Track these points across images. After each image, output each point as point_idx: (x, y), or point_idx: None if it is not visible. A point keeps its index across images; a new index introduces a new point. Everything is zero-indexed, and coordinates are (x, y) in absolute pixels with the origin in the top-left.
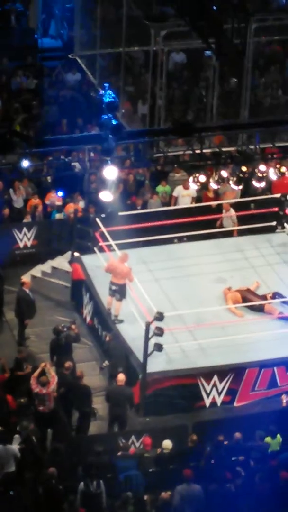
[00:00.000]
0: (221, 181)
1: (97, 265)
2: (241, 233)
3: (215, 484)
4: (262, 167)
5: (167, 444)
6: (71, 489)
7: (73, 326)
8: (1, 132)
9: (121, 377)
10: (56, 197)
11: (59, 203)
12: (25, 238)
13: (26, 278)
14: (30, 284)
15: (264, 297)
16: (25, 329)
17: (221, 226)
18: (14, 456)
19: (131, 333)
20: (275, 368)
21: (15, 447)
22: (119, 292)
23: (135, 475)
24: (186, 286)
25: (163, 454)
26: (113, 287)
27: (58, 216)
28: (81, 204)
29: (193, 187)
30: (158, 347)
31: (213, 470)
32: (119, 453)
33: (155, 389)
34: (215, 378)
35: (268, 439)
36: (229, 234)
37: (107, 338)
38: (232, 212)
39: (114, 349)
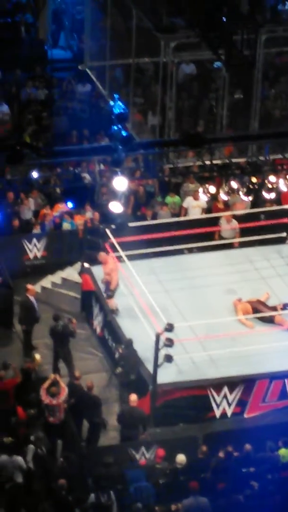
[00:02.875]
0: (231, 192)
1: None
2: (251, 244)
3: (224, 495)
4: (272, 178)
5: (181, 458)
6: (81, 500)
7: (74, 321)
8: (11, 143)
9: (133, 397)
10: (65, 207)
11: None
12: (35, 249)
13: (31, 285)
14: (34, 291)
15: (274, 308)
16: (31, 336)
17: (220, 238)
18: (19, 467)
19: (141, 344)
20: (285, 380)
21: (20, 458)
22: None
23: (145, 487)
24: (196, 297)
25: (176, 468)
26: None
27: (65, 225)
28: (89, 215)
29: (203, 198)
30: (168, 358)
31: (221, 481)
32: (129, 464)
33: (165, 400)
34: (225, 389)
35: (282, 450)
36: (230, 245)
37: (120, 350)
38: (234, 223)
39: (126, 357)
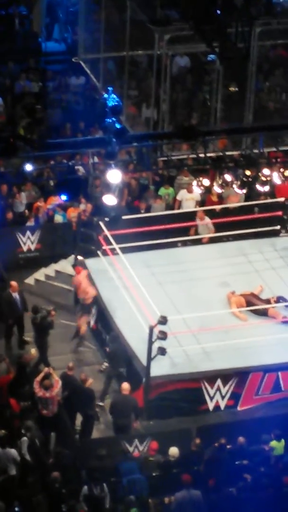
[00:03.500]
0: (225, 185)
1: (100, 268)
2: (245, 237)
3: (217, 488)
4: (266, 171)
5: (174, 451)
6: (74, 493)
7: (52, 313)
8: (5, 135)
9: (125, 386)
10: (58, 200)
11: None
12: (28, 242)
13: (14, 282)
14: (17, 288)
15: (268, 301)
16: (23, 331)
17: (196, 234)
18: (13, 459)
19: (135, 337)
20: (279, 373)
21: (14, 451)
22: None
23: (138, 479)
24: (190, 290)
25: (169, 460)
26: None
27: (57, 218)
28: (83, 208)
29: (197, 190)
30: (162, 351)
31: (214, 474)
32: (122, 457)
33: (159, 393)
34: (219, 382)
35: (273, 443)
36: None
37: (107, 350)
38: (207, 220)
39: (114, 351)
